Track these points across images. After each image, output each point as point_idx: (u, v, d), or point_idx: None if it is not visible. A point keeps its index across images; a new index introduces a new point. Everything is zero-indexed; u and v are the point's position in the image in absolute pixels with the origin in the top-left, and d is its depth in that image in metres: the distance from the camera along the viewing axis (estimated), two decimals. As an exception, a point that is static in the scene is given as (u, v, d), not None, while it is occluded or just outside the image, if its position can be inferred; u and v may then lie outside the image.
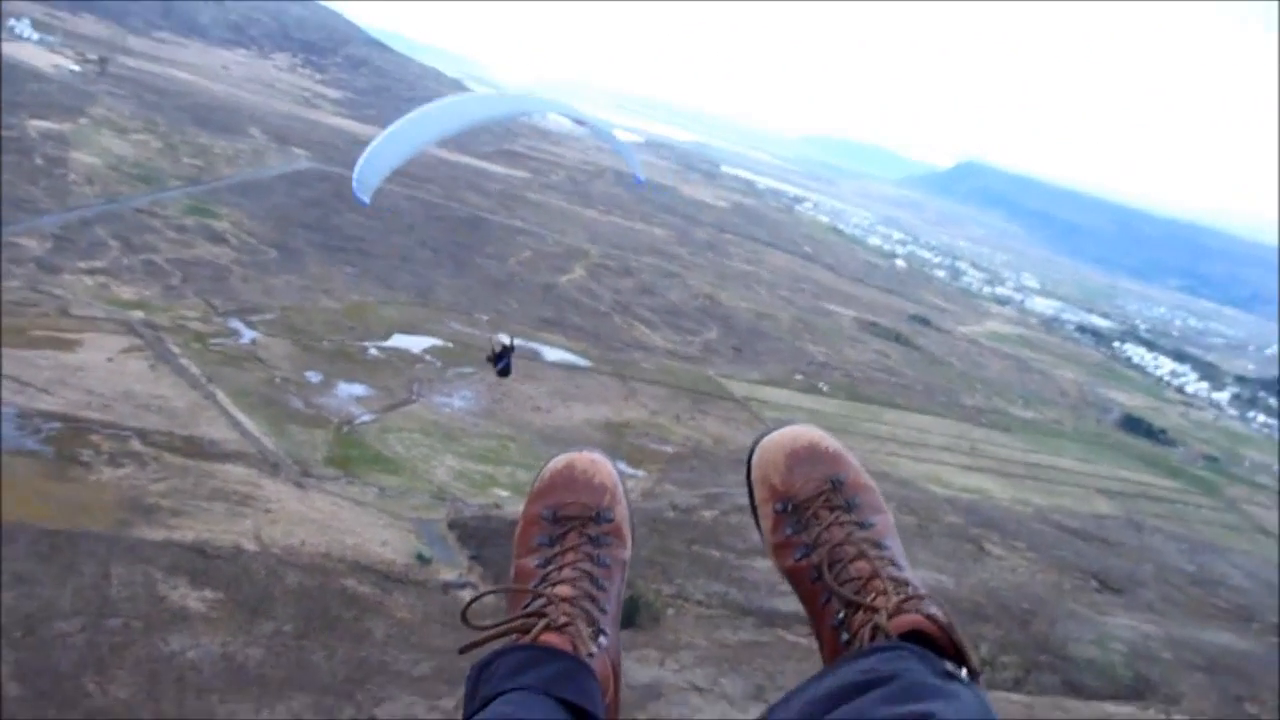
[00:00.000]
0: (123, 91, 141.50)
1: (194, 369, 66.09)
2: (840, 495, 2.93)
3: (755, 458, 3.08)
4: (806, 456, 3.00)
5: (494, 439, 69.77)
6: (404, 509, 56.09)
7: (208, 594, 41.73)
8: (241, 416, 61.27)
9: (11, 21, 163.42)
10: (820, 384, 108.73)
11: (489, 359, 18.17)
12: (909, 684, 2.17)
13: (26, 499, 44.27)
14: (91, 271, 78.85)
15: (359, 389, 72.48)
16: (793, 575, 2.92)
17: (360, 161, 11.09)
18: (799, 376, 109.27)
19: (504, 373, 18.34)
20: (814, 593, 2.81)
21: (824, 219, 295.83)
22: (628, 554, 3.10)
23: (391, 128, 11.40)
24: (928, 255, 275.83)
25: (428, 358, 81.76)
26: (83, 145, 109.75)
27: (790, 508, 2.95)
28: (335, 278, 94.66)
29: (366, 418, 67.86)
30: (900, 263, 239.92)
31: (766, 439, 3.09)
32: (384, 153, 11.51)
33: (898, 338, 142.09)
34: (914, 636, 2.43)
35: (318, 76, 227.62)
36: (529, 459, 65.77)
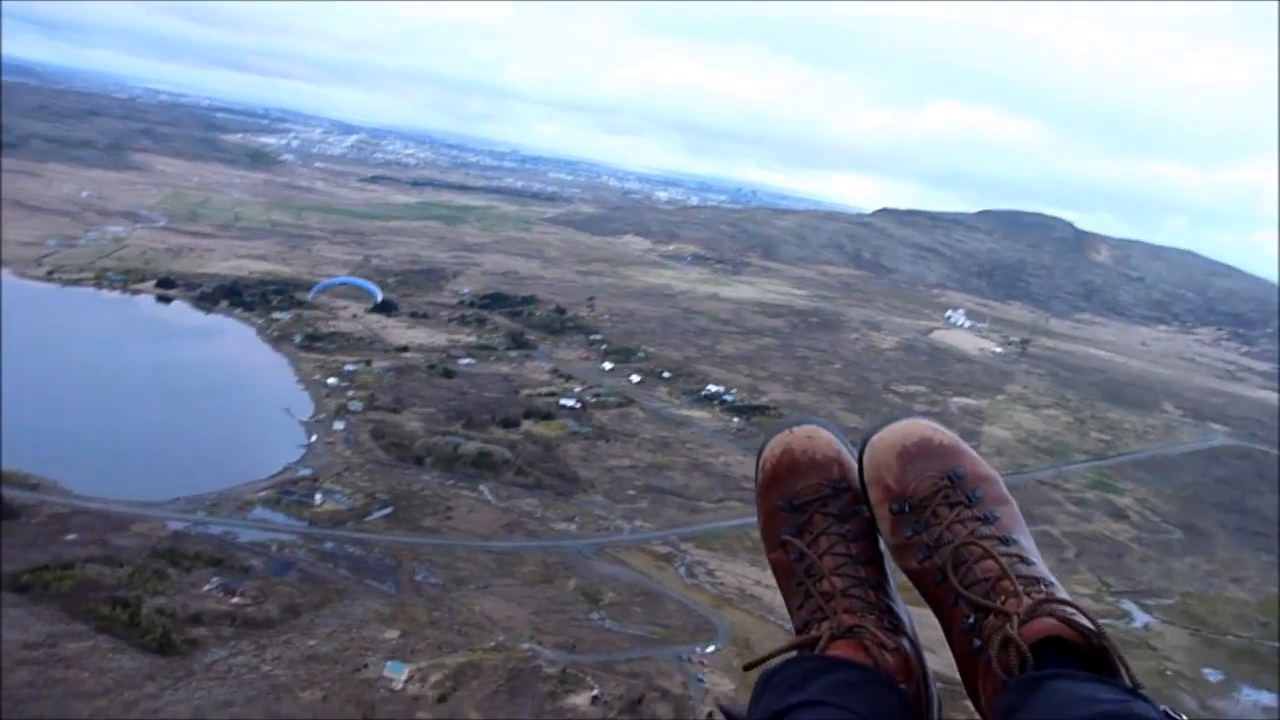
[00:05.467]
0: (1039, 370, 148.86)
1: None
2: (959, 490, 2.72)
3: (866, 458, 2.85)
4: (919, 452, 2.78)
5: None
6: None
7: None
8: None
9: (949, 312, 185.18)
10: None
11: None
12: None
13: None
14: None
15: (1269, 698, 62.45)
16: (916, 578, 2.72)
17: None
18: None
19: None
20: (940, 596, 2.62)
21: None
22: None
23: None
24: None
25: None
26: (996, 420, 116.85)
27: (908, 508, 2.74)
28: (1249, 565, 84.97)
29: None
30: None
31: (876, 437, 2.85)
32: None
33: None
34: (1050, 643, 2.32)
35: (1243, 349, 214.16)
36: None
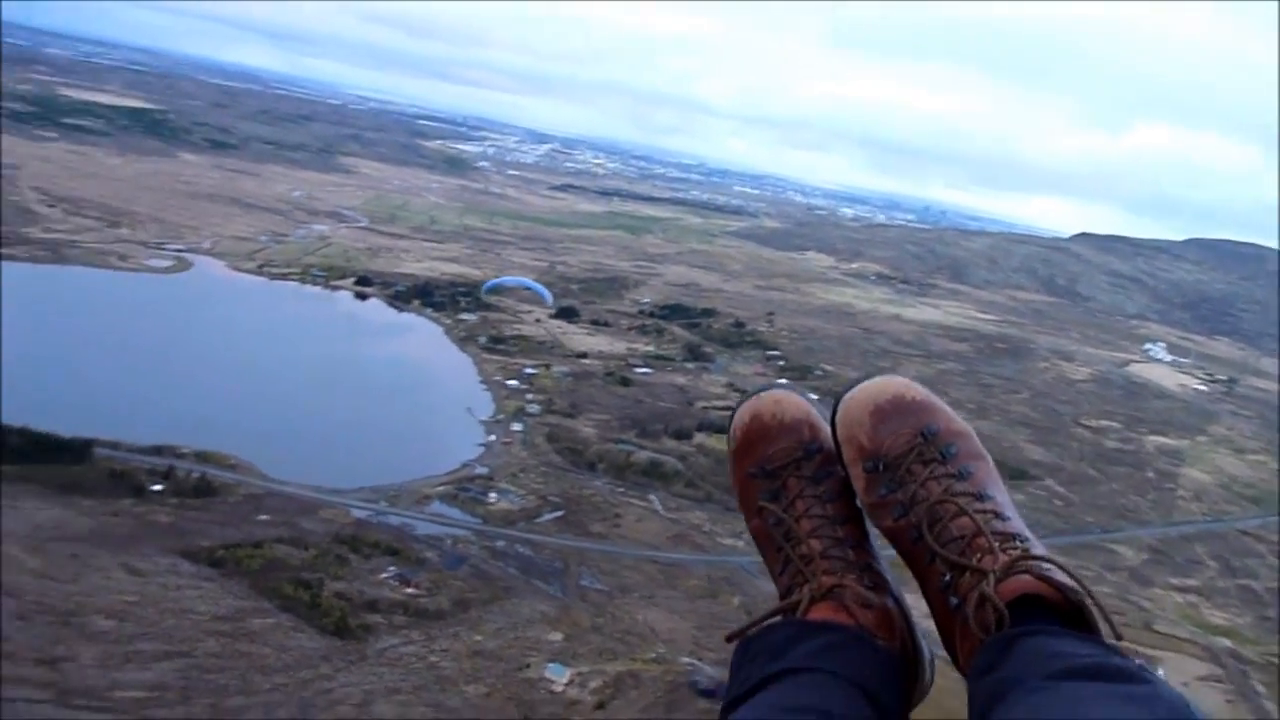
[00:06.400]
0: (1247, 411, 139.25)
1: (1276, 714, 58.89)
2: (933, 446, 2.70)
3: (839, 416, 2.82)
4: (892, 410, 2.76)
5: None
6: None
7: None
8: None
9: (1148, 345, 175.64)
10: None
11: None
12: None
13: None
14: (1183, 589, 76.81)
15: None
16: (892, 537, 2.72)
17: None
18: None
19: None
20: (917, 553, 2.61)
21: None
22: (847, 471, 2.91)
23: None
24: None
25: None
26: (1196, 462, 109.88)
27: (881, 466, 2.72)
28: None
29: None
30: None
31: (848, 395, 2.82)
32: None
33: None
34: (1028, 599, 2.32)
35: None
36: None
